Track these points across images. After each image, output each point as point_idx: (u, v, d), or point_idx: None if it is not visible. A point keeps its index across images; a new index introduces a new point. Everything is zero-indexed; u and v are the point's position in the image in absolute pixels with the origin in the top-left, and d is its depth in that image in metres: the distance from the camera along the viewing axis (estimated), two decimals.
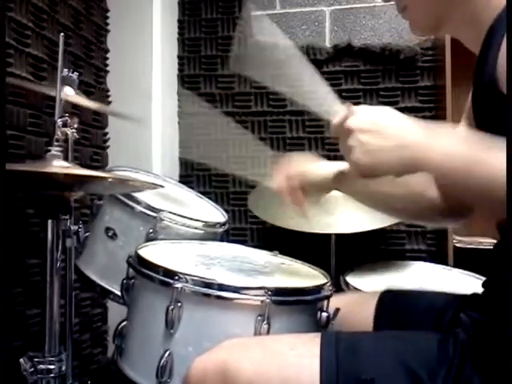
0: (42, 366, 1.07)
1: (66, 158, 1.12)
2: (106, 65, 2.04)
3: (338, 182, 0.99)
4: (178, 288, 0.84)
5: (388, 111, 0.74)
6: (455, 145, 0.68)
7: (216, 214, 1.54)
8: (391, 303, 1.00)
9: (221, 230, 1.44)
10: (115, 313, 1.91)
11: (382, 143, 0.71)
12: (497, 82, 0.70)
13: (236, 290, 0.84)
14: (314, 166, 1.02)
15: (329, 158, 2.09)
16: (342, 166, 1.01)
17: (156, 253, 1.03)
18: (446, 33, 0.97)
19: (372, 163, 0.72)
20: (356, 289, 1.47)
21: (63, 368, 1.10)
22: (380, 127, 0.72)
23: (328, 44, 2.13)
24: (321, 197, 1.06)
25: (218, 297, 0.84)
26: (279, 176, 1.00)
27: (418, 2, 0.84)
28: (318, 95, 0.92)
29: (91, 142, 1.91)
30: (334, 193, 1.08)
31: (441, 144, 0.68)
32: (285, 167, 1.01)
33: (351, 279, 1.55)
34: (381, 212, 1.09)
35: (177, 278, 0.85)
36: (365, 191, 1.01)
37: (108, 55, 2.05)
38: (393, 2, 0.90)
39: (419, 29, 0.88)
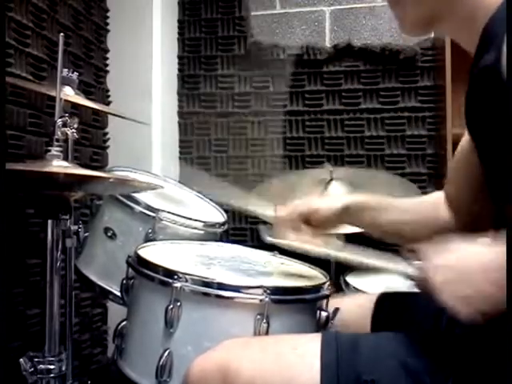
0: (42, 366, 1.07)
1: (65, 158, 1.12)
2: (106, 65, 2.04)
3: (346, 215, 1.00)
4: (177, 287, 0.84)
5: (467, 252, 0.71)
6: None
7: (215, 214, 1.54)
8: (389, 304, 1.00)
9: (220, 230, 1.44)
10: (115, 313, 1.91)
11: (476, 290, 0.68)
12: (500, 72, 0.69)
13: (235, 289, 0.85)
14: (322, 199, 1.03)
15: (329, 158, 2.12)
16: (349, 198, 1.02)
17: (155, 253, 1.03)
18: (437, 32, 0.97)
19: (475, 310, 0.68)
20: (356, 289, 1.47)
21: (63, 368, 1.10)
22: (468, 274, 0.69)
23: (328, 44, 2.13)
24: (331, 231, 1.06)
25: (218, 296, 0.84)
26: (285, 208, 1.01)
27: None
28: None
29: (91, 142, 1.91)
30: (334, 191, 1.08)
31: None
32: (290, 205, 1.02)
33: (351, 279, 1.55)
34: (391, 241, 1.09)
35: (176, 277, 0.85)
36: (374, 222, 1.02)
37: (108, 55, 2.05)
38: None
39: (410, 25, 0.85)
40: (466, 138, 0.97)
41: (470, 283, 0.68)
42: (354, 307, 1.03)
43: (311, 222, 1.01)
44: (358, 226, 1.06)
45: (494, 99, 0.71)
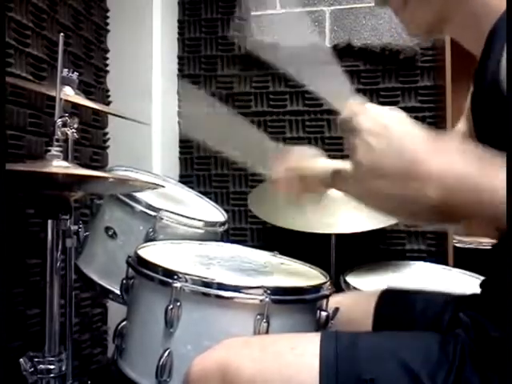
0: (42, 366, 1.07)
1: (65, 158, 1.12)
2: (106, 65, 2.04)
3: (337, 179, 0.99)
4: (177, 287, 0.84)
5: (398, 116, 0.71)
6: (454, 168, 0.65)
7: (216, 214, 1.54)
8: (390, 302, 1.00)
9: (221, 229, 1.44)
10: (115, 313, 1.91)
11: (387, 148, 0.68)
12: (500, 84, 0.70)
13: (235, 289, 0.84)
14: (313, 162, 1.02)
15: (329, 158, 2.12)
16: (341, 164, 1.01)
17: (155, 253, 1.03)
18: (444, 33, 0.97)
19: (373, 166, 0.70)
20: (356, 289, 1.47)
21: (63, 368, 1.10)
22: (389, 132, 0.69)
23: (328, 44, 2.13)
24: (319, 193, 1.05)
25: (218, 296, 0.84)
26: (277, 167, 1.00)
27: None
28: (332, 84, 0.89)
29: (91, 142, 1.91)
30: (334, 193, 1.08)
31: (437, 165, 0.65)
32: (284, 159, 1.01)
33: (351, 279, 1.55)
34: (379, 212, 1.08)
35: (176, 277, 0.85)
36: (363, 191, 1.00)
37: (108, 55, 2.05)
38: None
39: (417, 29, 0.86)
40: (459, 128, 0.97)
41: (386, 140, 0.67)
42: (355, 305, 1.03)
43: (305, 179, 0.99)
44: (346, 192, 1.04)
45: (496, 110, 0.71)
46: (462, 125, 0.98)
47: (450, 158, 0.66)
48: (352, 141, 0.72)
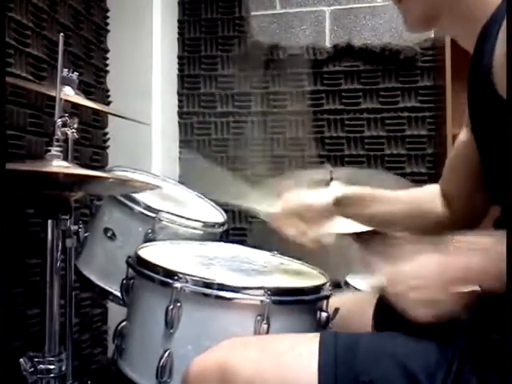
0: (42, 366, 1.07)
1: (65, 158, 1.12)
2: (106, 65, 2.04)
3: (339, 208, 1.00)
4: (177, 288, 0.84)
5: (427, 261, 0.75)
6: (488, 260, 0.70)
7: (215, 214, 1.54)
8: (391, 303, 0.99)
9: (220, 230, 1.44)
10: (115, 313, 1.90)
11: (435, 296, 0.73)
12: (492, 82, 0.70)
13: (235, 289, 0.84)
14: (312, 195, 1.03)
15: (329, 158, 2.12)
16: (339, 191, 1.02)
17: (155, 253, 1.03)
18: (439, 29, 0.98)
19: (432, 313, 0.73)
20: (356, 289, 1.47)
21: (63, 368, 1.10)
22: (427, 281, 0.73)
23: (328, 44, 2.14)
24: (324, 224, 1.06)
25: (218, 297, 0.84)
26: (275, 213, 1.01)
27: None
28: None
29: (91, 141, 1.91)
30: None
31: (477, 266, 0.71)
32: (282, 202, 1.02)
33: (351, 279, 1.55)
34: (386, 230, 1.09)
35: (176, 277, 0.85)
36: (368, 213, 1.02)
37: (108, 55, 2.05)
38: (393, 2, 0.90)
39: (414, 21, 0.87)
40: (461, 137, 0.97)
41: (426, 289, 0.73)
42: (355, 306, 1.03)
43: (305, 217, 1.00)
44: (351, 217, 1.06)
45: (489, 105, 0.71)
46: (463, 135, 0.98)
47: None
48: (405, 305, 0.75)
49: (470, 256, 0.72)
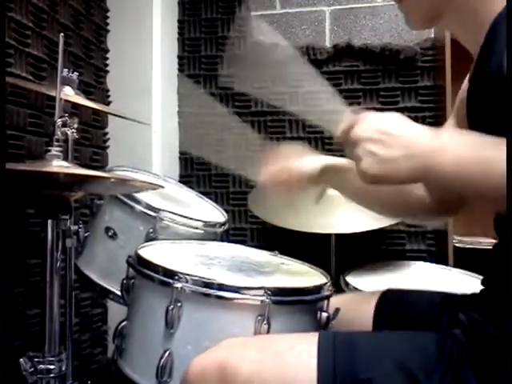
0: (42, 366, 1.07)
1: (65, 158, 1.12)
2: (106, 65, 2.04)
3: (325, 176, 1.00)
4: (177, 288, 0.84)
5: (396, 118, 0.73)
6: (464, 148, 0.67)
7: (216, 214, 1.54)
8: (391, 302, 1.00)
9: (221, 229, 1.44)
10: (115, 313, 1.91)
11: (392, 153, 0.69)
12: (504, 78, 0.69)
13: (236, 289, 0.85)
14: (301, 160, 1.02)
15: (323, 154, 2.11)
16: (329, 160, 1.02)
17: (156, 253, 1.03)
18: (442, 27, 0.98)
19: (382, 173, 0.71)
20: (356, 289, 1.47)
21: (63, 368, 1.10)
22: (389, 136, 0.70)
23: (328, 44, 2.13)
24: (309, 190, 1.05)
25: (218, 297, 0.84)
26: (264, 169, 1.01)
27: None
28: (320, 96, 0.91)
29: (91, 141, 1.91)
30: (334, 193, 1.08)
31: (451, 149, 0.67)
32: (271, 160, 1.02)
33: (351, 279, 1.55)
34: (368, 209, 1.09)
35: (177, 277, 0.85)
36: (352, 185, 1.01)
37: (108, 55, 2.04)
38: (393, 2, 0.90)
39: (418, 20, 0.87)
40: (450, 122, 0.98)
41: (388, 147, 0.70)
42: (355, 305, 1.03)
43: (293, 182, 1.00)
44: (337, 188, 1.05)
45: (497, 104, 0.71)
46: (451, 120, 0.99)
47: (458, 136, 0.69)
48: (356, 153, 0.72)
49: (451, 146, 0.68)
